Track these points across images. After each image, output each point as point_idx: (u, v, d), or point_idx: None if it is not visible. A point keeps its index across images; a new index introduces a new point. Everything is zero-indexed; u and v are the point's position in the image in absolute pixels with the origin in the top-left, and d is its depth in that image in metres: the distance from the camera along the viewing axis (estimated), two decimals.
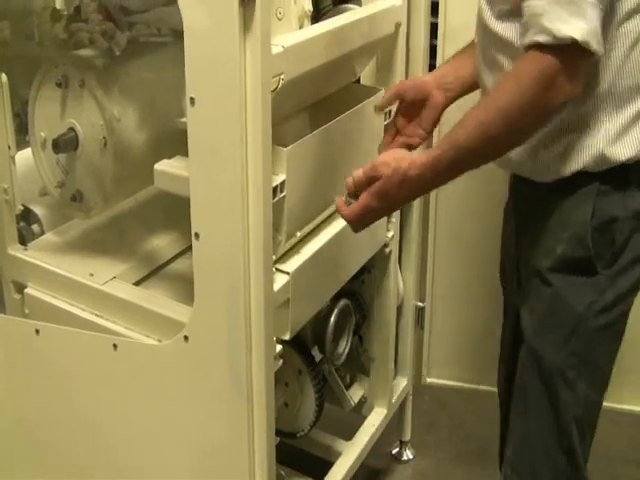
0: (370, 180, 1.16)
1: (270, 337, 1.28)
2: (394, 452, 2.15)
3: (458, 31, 1.95)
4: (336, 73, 1.50)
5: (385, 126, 1.57)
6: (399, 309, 1.96)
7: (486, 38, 1.23)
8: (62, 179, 1.50)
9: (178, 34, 1.70)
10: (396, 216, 1.77)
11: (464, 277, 2.27)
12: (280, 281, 1.33)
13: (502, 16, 1.17)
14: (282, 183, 1.28)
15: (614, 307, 1.22)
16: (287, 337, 1.38)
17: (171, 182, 1.28)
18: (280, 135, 1.28)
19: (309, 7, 1.41)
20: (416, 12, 1.73)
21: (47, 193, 1.56)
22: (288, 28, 1.34)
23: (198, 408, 1.34)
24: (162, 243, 1.62)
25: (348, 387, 1.89)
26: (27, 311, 1.55)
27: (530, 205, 1.27)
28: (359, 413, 1.93)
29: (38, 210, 1.62)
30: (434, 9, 1.92)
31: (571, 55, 1.02)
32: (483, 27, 1.23)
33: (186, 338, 1.29)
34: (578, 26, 1.00)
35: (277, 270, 1.33)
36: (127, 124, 1.43)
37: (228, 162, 1.15)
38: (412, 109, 1.41)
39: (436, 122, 1.41)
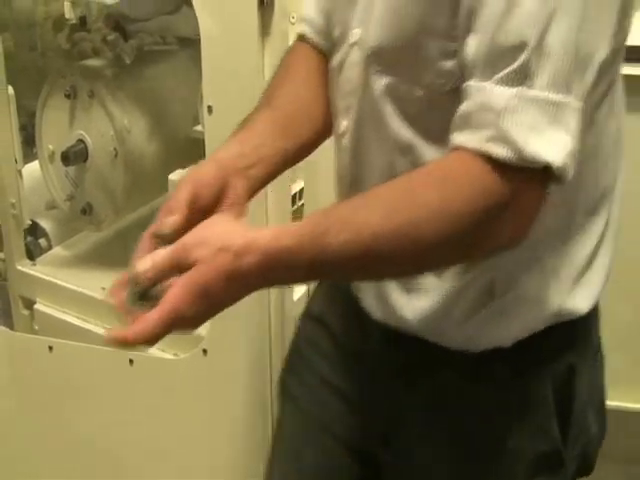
0: (179, 267, 0.68)
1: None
2: None
3: None
4: None
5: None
6: None
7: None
8: (71, 192, 1.48)
9: (183, 42, 1.70)
10: None
11: None
12: (299, 291, 1.31)
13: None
14: (301, 191, 1.27)
15: None
16: None
17: None
18: None
19: None
20: None
21: (55, 206, 1.54)
22: None
23: (217, 424, 1.31)
24: None
25: None
26: (37, 327, 1.53)
27: None
28: None
29: (45, 224, 1.58)
30: None
31: (535, 183, 0.65)
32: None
33: (205, 352, 1.26)
34: (560, 143, 0.64)
35: None
36: (137, 134, 1.41)
37: None
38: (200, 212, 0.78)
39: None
